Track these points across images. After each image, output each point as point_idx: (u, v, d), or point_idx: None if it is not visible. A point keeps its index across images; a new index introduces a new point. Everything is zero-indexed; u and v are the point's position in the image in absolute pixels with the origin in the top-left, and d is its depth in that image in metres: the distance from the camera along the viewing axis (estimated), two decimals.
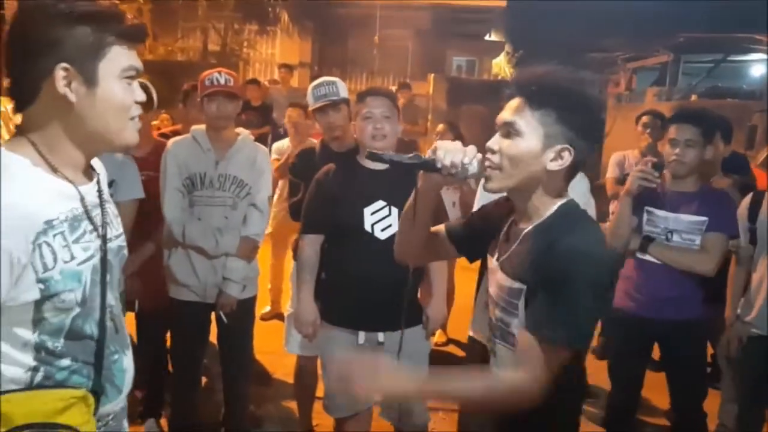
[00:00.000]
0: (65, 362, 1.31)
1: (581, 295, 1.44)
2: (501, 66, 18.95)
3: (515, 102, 1.55)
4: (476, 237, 1.78)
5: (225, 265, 3.10)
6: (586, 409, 4.01)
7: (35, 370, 1.28)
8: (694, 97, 11.84)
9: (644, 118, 4.77)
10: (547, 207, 1.57)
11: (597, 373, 4.37)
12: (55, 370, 1.30)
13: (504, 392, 1.50)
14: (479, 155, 1.56)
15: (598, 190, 3.40)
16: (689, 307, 2.95)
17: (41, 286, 1.24)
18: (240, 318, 3.20)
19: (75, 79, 1.25)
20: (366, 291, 2.58)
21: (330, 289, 2.77)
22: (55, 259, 1.25)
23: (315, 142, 4.16)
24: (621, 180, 4.69)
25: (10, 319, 1.24)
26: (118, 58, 1.28)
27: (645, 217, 3.00)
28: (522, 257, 1.56)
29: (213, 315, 3.21)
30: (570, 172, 1.57)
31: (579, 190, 2.87)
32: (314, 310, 2.75)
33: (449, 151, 1.52)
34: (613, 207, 4.81)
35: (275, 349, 4.25)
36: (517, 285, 1.55)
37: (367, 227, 2.62)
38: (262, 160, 3.22)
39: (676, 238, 2.94)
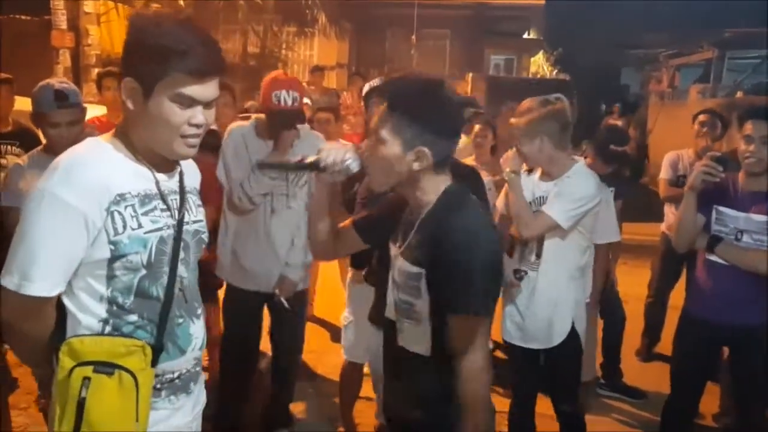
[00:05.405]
0: (132, 318, 1.53)
1: (474, 268, 1.60)
2: (539, 64, 18.78)
3: (381, 108, 1.68)
4: (379, 226, 1.93)
5: (288, 251, 3.15)
6: (634, 413, 3.96)
7: (106, 321, 1.51)
8: (739, 94, 11.52)
9: (702, 117, 4.56)
10: (431, 196, 1.72)
11: (641, 375, 4.33)
12: (123, 324, 1.52)
13: (470, 380, 1.62)
14: (357, 153, 1.75)
15: (643, 190, 3.31)
16: (760, 310, 2.79)
17: (112, 247, 1.48)
18: (296, 309, 3.24)
19: (137, 91, 1.48)
20: None
21: (379, 293, 2.77)
22: (124, 226, 1.48)
23: (346, 143, 4.18)
24: (674, 181, 4.50)
25: (88, 273, 1.49)
26: (176, 84, 1.46)
27: (714, 215, 2.85)
28: (418, 244, 1.71)
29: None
30: (440, 166, 1.70)
31: (584, 185, 2.73)
32: None
33: (331, 151, 1.73)
34: (667, 209, 4.65)
35: (316, 348, 4.31)
36: (415, 269, 1.69)
37: None
38: None
39: (746, 238, 2.79)
